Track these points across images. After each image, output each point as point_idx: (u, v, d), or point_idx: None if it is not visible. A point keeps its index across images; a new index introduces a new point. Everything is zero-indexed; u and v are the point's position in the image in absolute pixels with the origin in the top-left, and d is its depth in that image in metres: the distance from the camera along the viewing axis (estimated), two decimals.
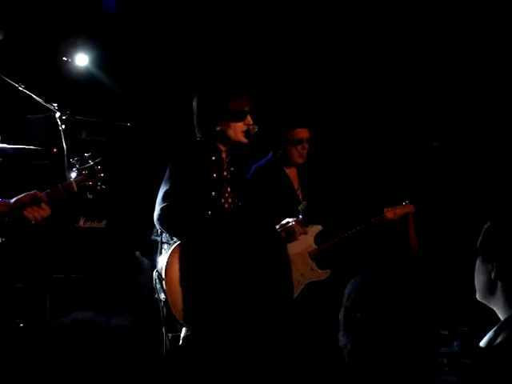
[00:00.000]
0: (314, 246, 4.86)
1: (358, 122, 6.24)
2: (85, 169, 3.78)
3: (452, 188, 5.67)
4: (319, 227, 4.87)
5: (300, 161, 5.12)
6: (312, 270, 4.87)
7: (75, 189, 3.73)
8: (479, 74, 6.00)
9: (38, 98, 4.26)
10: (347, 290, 2.41)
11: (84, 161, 3.80)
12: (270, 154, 5.20)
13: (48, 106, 4.27)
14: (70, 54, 5.74)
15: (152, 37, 6.31)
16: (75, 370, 1.34)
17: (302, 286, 4.76)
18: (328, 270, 4.87)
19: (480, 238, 2.46)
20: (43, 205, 3.55)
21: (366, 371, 2.29)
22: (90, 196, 3.86)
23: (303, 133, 5.12)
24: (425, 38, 6.09)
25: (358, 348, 2.31)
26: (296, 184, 5.20)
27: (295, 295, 4.53)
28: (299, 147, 5.08)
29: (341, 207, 5.26)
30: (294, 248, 4.60)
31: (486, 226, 2.47)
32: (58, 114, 4.25)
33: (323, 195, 5.21)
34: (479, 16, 5.94)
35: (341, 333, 2.38)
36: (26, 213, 3.52)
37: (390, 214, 4.97)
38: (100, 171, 3.83)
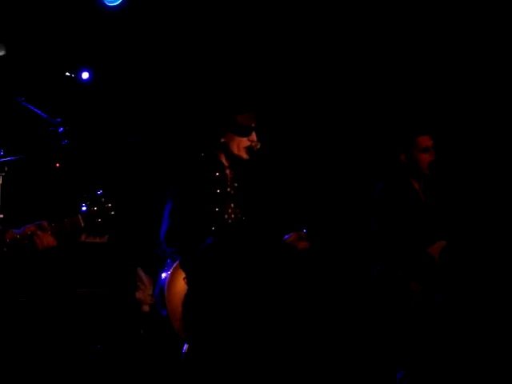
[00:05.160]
0: None
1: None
2: (95, 205, 3.73)
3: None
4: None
5: (428, 171, 4.95)
6: None
7: (82, 224, 3.70)
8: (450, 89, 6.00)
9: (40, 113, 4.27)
10: None
11: (96, 198, 3.77)
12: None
13: (51, 120, 4.28)
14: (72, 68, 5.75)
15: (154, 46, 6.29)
16: None
17: None
18: None
19: None
20: (48, 235, 3.60)
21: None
22: (98, 234, 3.80)
23: (428, 140, 4.97)
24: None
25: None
26: (422, 197, 5.05)
27: None
28: (427, 155, 4.93)
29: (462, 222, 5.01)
30: None
31: None
32: (61, 129, 4.27)
33: (447, 209, 5.02)
34: (452, 25, 5.95)
35: None
36: (34, 238, 3.57)
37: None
38: (111, 209, 3.80)
